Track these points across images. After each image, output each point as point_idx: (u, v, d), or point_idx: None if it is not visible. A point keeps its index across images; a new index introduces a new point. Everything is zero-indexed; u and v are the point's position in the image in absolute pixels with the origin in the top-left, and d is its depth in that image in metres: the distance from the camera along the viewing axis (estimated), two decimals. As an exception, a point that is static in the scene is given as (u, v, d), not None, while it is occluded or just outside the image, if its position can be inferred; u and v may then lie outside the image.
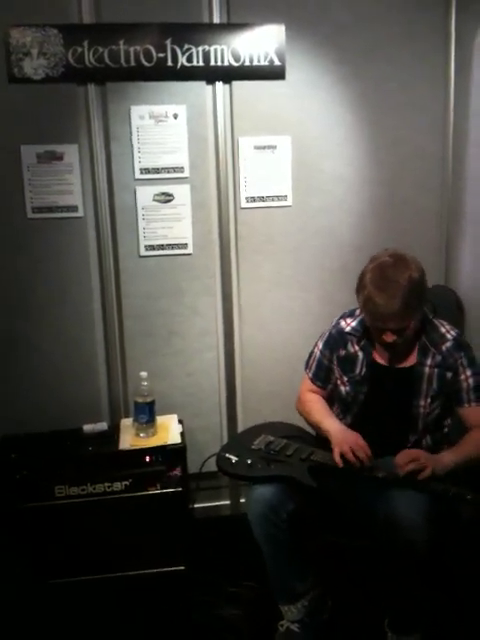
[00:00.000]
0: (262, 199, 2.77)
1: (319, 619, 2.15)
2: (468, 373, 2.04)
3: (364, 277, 1.98)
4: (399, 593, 1.98)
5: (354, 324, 2.17)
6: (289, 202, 2.79)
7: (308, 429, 2.30)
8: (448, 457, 1.95)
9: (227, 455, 2.13)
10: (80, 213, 2.64)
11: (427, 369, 2.06)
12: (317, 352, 2.26)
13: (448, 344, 2.06)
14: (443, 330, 2.09)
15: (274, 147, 2.73)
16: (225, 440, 2.85)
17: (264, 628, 2.20)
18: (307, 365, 2.31)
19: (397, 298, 1.88)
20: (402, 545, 1.82)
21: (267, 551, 2.04)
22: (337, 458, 1.97)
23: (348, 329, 2.17)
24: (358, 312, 2.17)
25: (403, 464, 1.88)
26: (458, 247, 2.86)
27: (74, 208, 2.63)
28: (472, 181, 2.72)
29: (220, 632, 2.21)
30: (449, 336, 2.07)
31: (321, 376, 2.26)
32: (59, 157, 2.58)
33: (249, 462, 2.07)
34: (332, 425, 2.10)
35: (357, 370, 2.14)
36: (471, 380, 2.04)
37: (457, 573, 2.35)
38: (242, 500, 2.92)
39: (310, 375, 2.29)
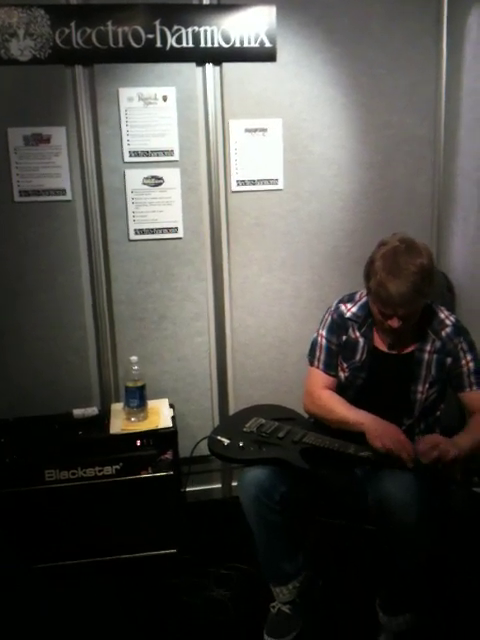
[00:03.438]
0: (253, 182, 2.75)
1: (310, 600, 2.16)
2: (468, 358, 2.04)
3: (374, 263, 1.94)
4: (391, 573, 1.99)
5: (355, 309, 2.14)
6: (280, 185, 2.77)
7: (300, 411, 2.29)
8: (465, 442, 1.91)
9: (219, 438, 2.12)
10: (68, 196, 2.61)
11: (426, 355, 2.05)
12: (322, 341, 2.17)
13: (448, 330, 2.05)
14: (442, 316, 2.08)
15: (265, 130, 2.71)
16: (216, 424, 2.84)
17: (254, 609, 2.21)
18: (314, 359, 2.19)
19: (409, 284, 1.86)
20: (393, 526, 1.82)
21: (259, 533, 2.03)
22: (382, 449, 1.89)
23: (349, 315, 2.13)
24: (358, 297, 2.15)
25: (426, 451, 1.84)
26: (449, 229, 2.86)
27: (62, 191, 2.60)
28: (463, 164, 2.71)
29: (210, 614, 2.22)
30: (448, 322, 2.06)
31: (333, 364, 2.16)
32: (46, 140, 2.55)
33: (241, 445, 2.06)
34: (364, 417, 2.00)
35: (357, 356, 2.11)
36: (471, 365, 2.03)
37: (449, 553, 2.36)
38: (233, 483, 2.93)
39: (322, 367, 2.16)
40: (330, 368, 2.17)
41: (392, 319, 1.93)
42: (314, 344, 2.20)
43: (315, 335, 2.21)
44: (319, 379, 2.18)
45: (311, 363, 2.21)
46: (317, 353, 2.18)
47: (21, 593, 2.28)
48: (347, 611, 2.21)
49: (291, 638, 2.11)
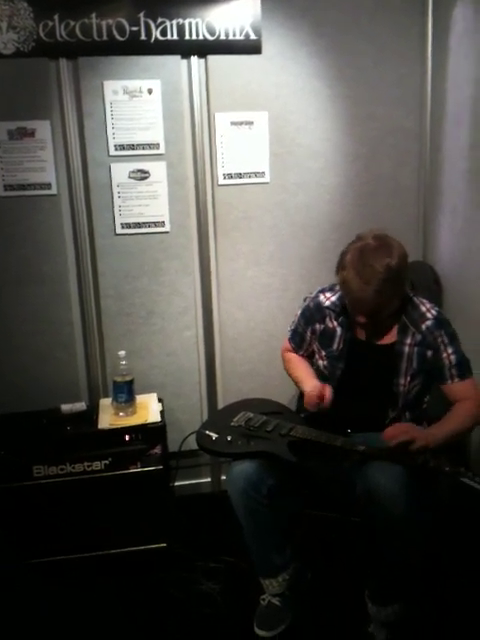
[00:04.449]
0: (239, 176, 2.75)
1: (300, 592, 2.17)
2: (449, 350, 2.03)
3: (345, 256, 1.96)
4: (379, 564, 2.00)
5: (334, 299, 2.16)
6: (267, 179, 2.77)
7: (288, 405, 2.30)
8: (436, 431, 1.94)
9: (207, 432, 2.12)
10: (54, 191, 2.59)
11: (407, 348, 2.05)
12: (296, 320, 2.28)
13: (428, 323, 2.04)
14: (424, 309, 2.07)
15: (251, 123, 2.71)
16: (205, 419, 2.85)
17: (244, 602, 2.22)
18: (289, 327, 2.34)
19: (371, 285, 1.87)
20: (382, 516, 1.83)
21: (248, 526, 2.04)
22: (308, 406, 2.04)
23: (327, 304, 2.16)
24: (338, 287, 2.16)
25: (393, 437, 1.86)
26: (436, 222, 2.86)
27: (47, 185, 2.58)
28: (449, 156, 2.71)
29: (201, 607, 2.22)
30: (429, 315, 2.05)
31: (296, 340, 2.30)
32: (31, 133, 2.53)
33: (229, 439, 2.06)
34: (308, 387, 2.10)
35: (335, 345, 2.13)
36: (453, 357, 2.03)
37: (437, 544, 2.38)
38: (223, 477, 2.93)
39: (289, 336, 2.33)
40: (292, 340, 2.33)
41: (358, 315, 1.98)
42: (295, 317, 2.32)
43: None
44: (285, 341, 2.37)
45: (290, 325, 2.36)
46: (291, 326, 2.34)
47: (17, 590, 2.27)
48: (336, 602, 2.22)
49: (281, 630, 2.12)
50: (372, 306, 1.92)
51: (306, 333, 2.24)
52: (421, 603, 2.15)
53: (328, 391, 2.04)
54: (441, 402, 2.38)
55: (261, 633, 2.11)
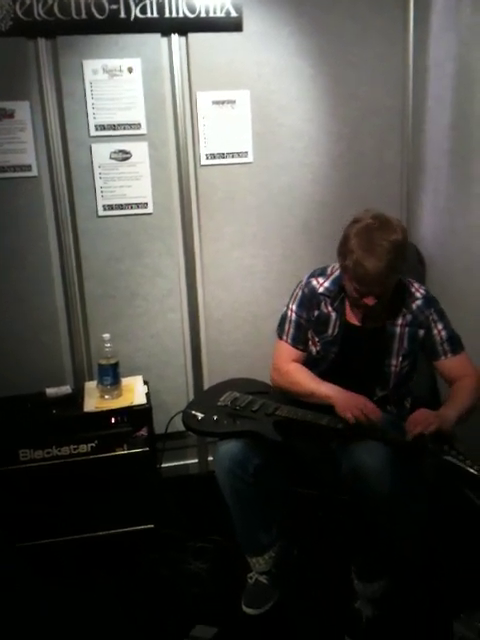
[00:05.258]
0: (222, 156, 2.72)
1: (286, 569, 2.19)
2: (440, 327, 2.05)
3: (349, 241, 1.91)
4: (365, 541, 2.03)
5: (327, 284, 2.12)
6: (250, 158, 2.75)
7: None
8: (450, 412, 1.92)
9: (193, 412, 2.12)
10: (34, 172, 2.56)
11: (398, 328, 2.06)
12: (292, 315, 2.16)
13: (418, 302, 2.06)
14: (412, 289, 2.09)
15: (233, 102, 2.68)
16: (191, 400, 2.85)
17: (232, 581, 2.24)
18: (282, 332, 2.18)
19: (384, 261, 1.85)
20: (367, 494, 1.84)
21: (234, 505, 2.05)
22: (351, 420, 1.90)
23: (322, 290, 2.12)
24: (330, 271, 2.14)
25: (410, 432, 1.85)
26: (419, 202, 2.86)
27: (27, 167, 2.55)
28: (432, 135, 2.71)
29: (189, 587, 2.24)
30: (418, 294, 2.07)
31: (301, 339, 2.16)
32: (10, 114, 2.50)
33: (215, 418, 2.06)
34: (331, 390, 2.01)
35: (330, 331, 2.11)
36: (443, 333, 2.05)
37: (423, 522, 2.40)
38: (210, 458, 2.94)
39: (289, 341, 2.17)
40: (298, 342, 2.17)
41: (368, 297, 1.93)
42: (283, 318, 2.20)
43: (285, 309, 2.20)
44: (286, 353, 2.18)
45: (279, 336, 2.20)
46: (286, 327, 2.18)
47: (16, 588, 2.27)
48: (323, 579, 2.24)
49: (269, 608, 2.14)
50: (385, 284, 1.91)
51: (309, 323, 2.15)
52: (407, 579, 2.18)
53: (370, 403, 1.97)
54: (426, 380, 2.41)
55: (249, 611, 2.13)
